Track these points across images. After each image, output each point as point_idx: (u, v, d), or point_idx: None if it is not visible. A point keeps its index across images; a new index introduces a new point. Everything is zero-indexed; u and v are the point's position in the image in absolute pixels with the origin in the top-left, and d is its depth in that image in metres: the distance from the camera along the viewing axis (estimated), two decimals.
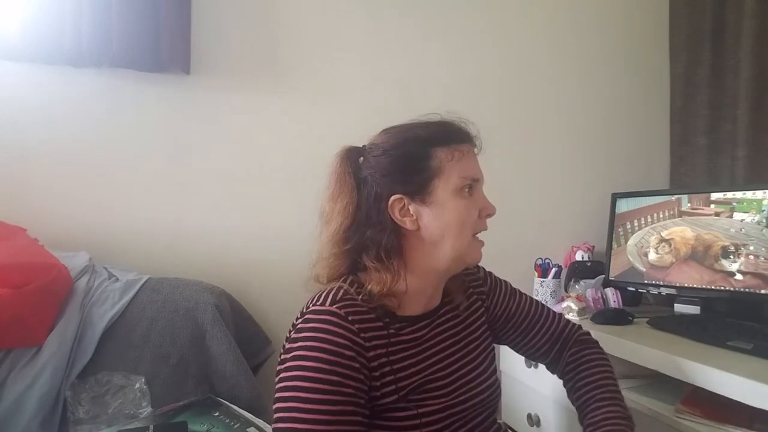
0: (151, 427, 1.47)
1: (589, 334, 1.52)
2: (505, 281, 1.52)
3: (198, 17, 2.16)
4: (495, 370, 1.38)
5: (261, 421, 1.51)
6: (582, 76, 2.69)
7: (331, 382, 1.04)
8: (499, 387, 1.37)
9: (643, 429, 1.64)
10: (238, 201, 2.23)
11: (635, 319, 2.04)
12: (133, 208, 2.11)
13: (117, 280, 1.84)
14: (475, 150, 1.27)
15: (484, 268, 1.51)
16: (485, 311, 1.44)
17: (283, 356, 1.12)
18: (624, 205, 2.42)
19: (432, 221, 1.19)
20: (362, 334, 1.11)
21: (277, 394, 1.06)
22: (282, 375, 1.07)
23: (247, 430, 1.47)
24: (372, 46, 2.40)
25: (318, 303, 1.15)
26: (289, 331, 1.17)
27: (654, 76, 2.79)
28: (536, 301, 1.52)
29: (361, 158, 1.26)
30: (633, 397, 1.65)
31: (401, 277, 1.19)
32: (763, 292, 1.89)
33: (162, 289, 1.82)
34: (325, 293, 1.17)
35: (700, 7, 2.61)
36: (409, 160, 1.20)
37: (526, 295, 1.52)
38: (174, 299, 1.78)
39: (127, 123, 2.11)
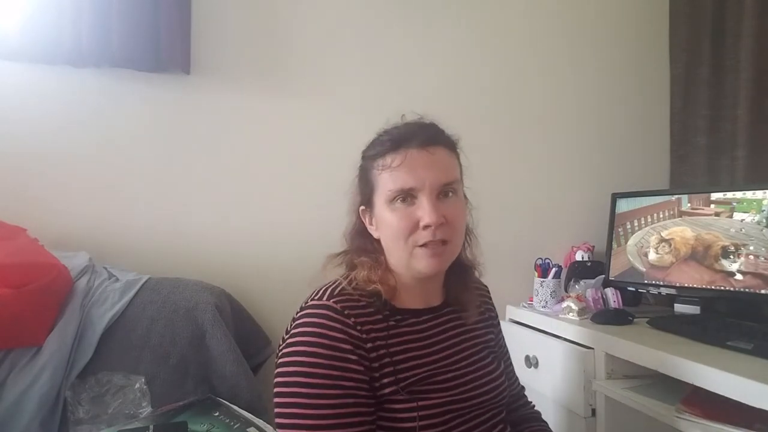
0: (151, 427, 1.48)
1: (538, 412, 1.55)
2: None
3: (198, 17, 2.16)
4: (504, 374, 1.39)
5: (261, 421, 1.52)
6: (582, 77, 2.69)
7: (329, 376, 1.07)
8: (507, 390, 1.37)
9: (643, 429, 1.72)
10: (238, 201, 2.23)
11: (635, 319, 2.03)
12: (133, 208, 2.12)
13: (117, 280, 1.85)
14: (429, 150, 1.22)
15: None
16: (494, 330, 1.48)
17: (282, 350, 1.14)
18: (624, 205, 2.41)
19: (378, 231, 1.28)
20: (359, 327, 1.13)
21: (277, 389, 1.09)
22: (281, 370, 1.11)
23: (247, 430, 1.48)
24: (372, 47, 2.41)
25: (316, 298, 1.19)
26: (289, 325, 1.20)
27: (654, 76, 2.79)
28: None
29: None
30: (633, 397, 1.65)
31: (382, 268, 1.26)
32: (763, 292, 1.89)
33: (162, 289, 1.83)
34: (323, 289, 1.22)
35: (700, 7, 2.61)
36: (361, 174, 1.31)
37: None
38: (174, 299, 1.79)
39: (128, 123, 2.12)
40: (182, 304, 1.78)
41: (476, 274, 1.42)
